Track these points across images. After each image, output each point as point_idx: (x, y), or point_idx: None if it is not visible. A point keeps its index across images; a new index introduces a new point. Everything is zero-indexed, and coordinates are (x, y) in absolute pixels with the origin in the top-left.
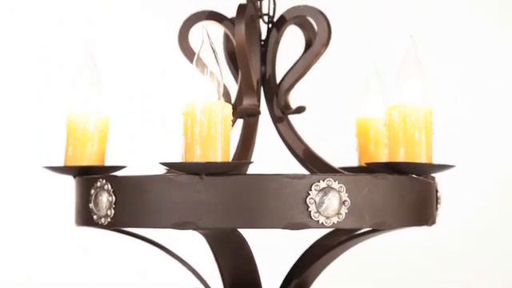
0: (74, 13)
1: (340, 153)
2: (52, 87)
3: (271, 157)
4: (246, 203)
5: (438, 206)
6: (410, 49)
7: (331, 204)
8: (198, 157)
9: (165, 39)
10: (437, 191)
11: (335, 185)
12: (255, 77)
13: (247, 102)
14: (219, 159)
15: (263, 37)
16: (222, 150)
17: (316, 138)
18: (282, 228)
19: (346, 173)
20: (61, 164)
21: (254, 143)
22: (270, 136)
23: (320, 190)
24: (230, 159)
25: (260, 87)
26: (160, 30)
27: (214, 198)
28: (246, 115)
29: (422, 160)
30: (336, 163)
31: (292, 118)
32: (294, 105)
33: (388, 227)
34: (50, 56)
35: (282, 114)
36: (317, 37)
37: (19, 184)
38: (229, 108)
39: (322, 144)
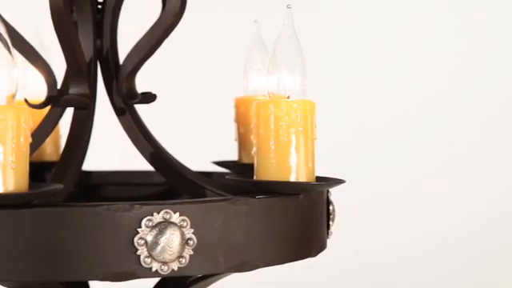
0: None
1: (213, 148)
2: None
3: (119, 161)
4: (50, 246)
5: (331, 223)
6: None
7: (169, 244)
8: None
9: None
10: (328, 204)
11: (175, 218)
12: (81, 54)
13: (74, 89)
14: (10, 187)
15: None
16: (16, 173)
17: (179, 133)
18: (101, 280)
19: (192, 199)
20: None
21: (84, 147)
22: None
23: (154, 227)
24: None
25: (96, 69)
26: None
27: (4, 240)
28: (74, 108)
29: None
30: (205, 164)
31: (140, 108)
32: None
33: (253, 268)
34: None
35: (124, 104)
36: (166, 3)
37: None
38: (25, 112)
39: (191, 139)
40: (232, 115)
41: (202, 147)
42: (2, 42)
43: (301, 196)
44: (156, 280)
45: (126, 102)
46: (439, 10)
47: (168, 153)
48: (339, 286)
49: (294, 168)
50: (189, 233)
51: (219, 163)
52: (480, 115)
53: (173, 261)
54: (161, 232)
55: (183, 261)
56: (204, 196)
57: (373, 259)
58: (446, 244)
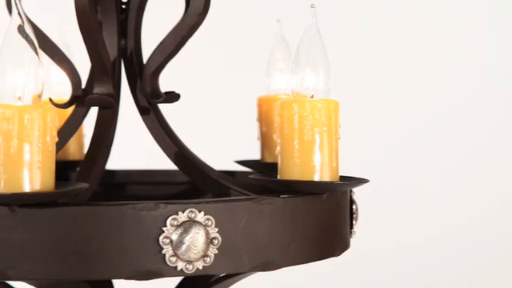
0: None
1: (236, 147)
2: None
3: (143, 160)
4: (75, 245)
5: (354, 222)
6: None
7: (194, 243)
8: (3, 184)
9: None
10: (352, 203)
11: (200, 217)
12: (106, 54)
13: (99, 89)
14: (37, 186)
15: None
16: (42, 172)
17: (202, 132)
18: (126, 278)
19: (216, 199)
20: None
21: (108, 147)
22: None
23: (179, 226)
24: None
25: (120, 68)
26: None
27: (30, 239)
28: (99, 107)
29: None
30: (227, 163)
31: (164, 108)
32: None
33: (276, 267)
34: None
35: (147, 103)
36: (190, 3)
37: None
38: (52, 112)
39: (213, 138)
40: (254, 114)
41: (224, 146)
42: (29, 43)
43: (324, 195)
44: (179, 279)
45: (150, 102)
46: (443, 11)
47: (192, 152)
48: (361, 285)
49: (317, 167)
50: (213, 232)
51: (242, 162)
52: None
53: (198, 260)
54: (186, 231)
55: (208, 260)
56: (228, 195)
57: (393, 259)
58: (466, 244)
